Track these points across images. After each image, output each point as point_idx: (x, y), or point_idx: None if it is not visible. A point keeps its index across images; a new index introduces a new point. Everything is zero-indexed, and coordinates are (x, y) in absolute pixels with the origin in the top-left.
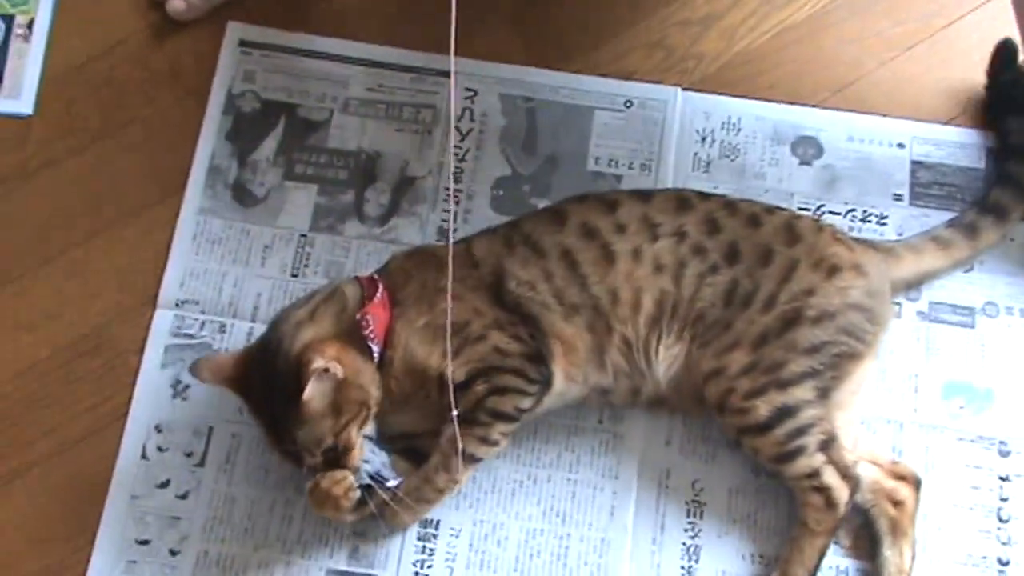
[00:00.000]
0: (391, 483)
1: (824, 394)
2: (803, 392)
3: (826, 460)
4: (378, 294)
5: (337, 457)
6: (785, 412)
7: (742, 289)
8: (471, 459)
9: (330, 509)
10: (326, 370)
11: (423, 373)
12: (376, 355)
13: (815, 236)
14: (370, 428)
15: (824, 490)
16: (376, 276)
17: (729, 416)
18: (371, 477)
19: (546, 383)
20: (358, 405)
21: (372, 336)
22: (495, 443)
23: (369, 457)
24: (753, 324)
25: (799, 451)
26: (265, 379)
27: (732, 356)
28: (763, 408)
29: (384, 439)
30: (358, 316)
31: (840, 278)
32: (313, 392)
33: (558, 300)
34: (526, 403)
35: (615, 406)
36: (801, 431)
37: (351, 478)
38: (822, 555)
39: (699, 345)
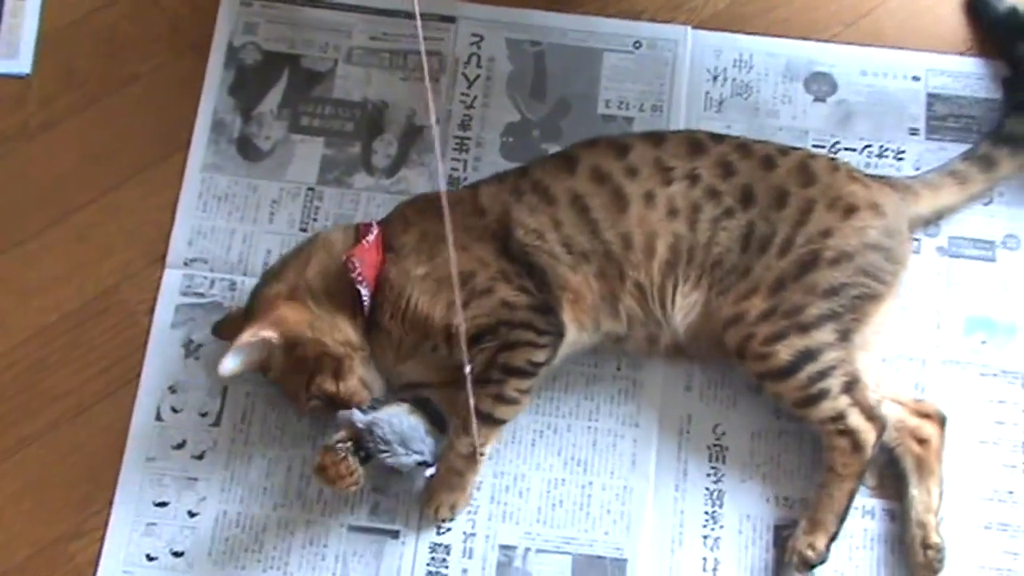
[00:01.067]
0: (430, 471)
1: (845, 336)
2: (824, 335)
3: (851, 402)
4: (370, 236)
5: (336, 404)
6: (807, 355)
7: (758, 233)
8: (490, 420)
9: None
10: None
11: (426, 325)
12: (365, 298)
13: (830, 176)
14: (375, 383)
15: (850, 433)
16: (376, 223)
17: (750, 362)
18: (418, 464)
19: (558, 334)
20: (316, 360)
21: (360, 279)
22: (513, 401)
23: (419, 447)
24: (770, 269)
25: (823, 394)
26: None
27: (751, 302)
28: (784, 352)
29: (393, 389)
30: (344, 257)
31: (857, 218)
32: (234, 363)
33: (567, 249)
34: (539, 356)
35: (634, 355)
36: (824, 374)
37: (349, 459)
38: (851, 499)
39: (717, 292)
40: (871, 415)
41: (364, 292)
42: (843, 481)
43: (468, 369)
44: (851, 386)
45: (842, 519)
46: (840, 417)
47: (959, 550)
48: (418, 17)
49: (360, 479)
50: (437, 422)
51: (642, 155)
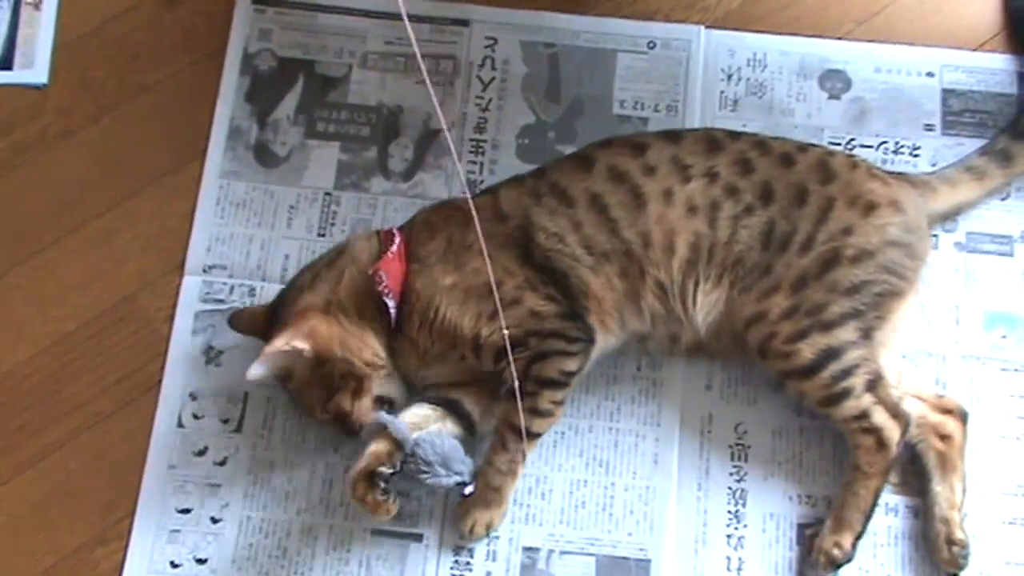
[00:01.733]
0: (468, 490)
1: (867, 334)
2: (846, 333)
3: (874, 400)
4: (393, 247)
5: (341, 422)
6: (830, 354)
7: (779, 231)
8: (528, 433)
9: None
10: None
11: (454, 336)
12: (392, 309)
13: (850, 173)
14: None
15: (875, 431)
16: (397, 229)
17: (773, 361)
18: (457, 484)
19: (589, 340)
20: (341, 377)
21: (387, 291)
22: (548, 413)
23: (460, 468)
24: (792, 267)
25: (846, 393)
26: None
27: (772, 300)
28: (807, 351)
29: (417, 390)
30: (371, 272)
31: (877, 215)
32: (262, 369)
33: (587, 250)
34: (571, 365)
35: (653, 353)
36: (847, 372)
37: (390, 495)
38: (877, 497)
39: (739, 291)
40: (895, 412)
41: (391, 304)
42: (869, 479)
43: (508, 386)
44: (874, 384)
45: (868, 517)
46: (864, 415)
47: (983, 546)
48: (406, 20)
49: (397, 508)
50: (467, 426)
51: (659, 153)
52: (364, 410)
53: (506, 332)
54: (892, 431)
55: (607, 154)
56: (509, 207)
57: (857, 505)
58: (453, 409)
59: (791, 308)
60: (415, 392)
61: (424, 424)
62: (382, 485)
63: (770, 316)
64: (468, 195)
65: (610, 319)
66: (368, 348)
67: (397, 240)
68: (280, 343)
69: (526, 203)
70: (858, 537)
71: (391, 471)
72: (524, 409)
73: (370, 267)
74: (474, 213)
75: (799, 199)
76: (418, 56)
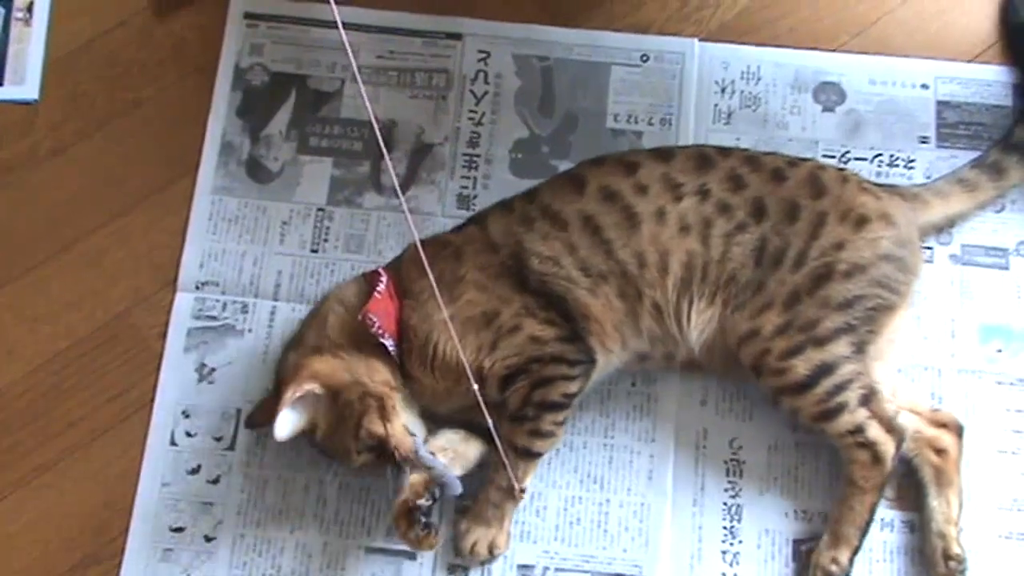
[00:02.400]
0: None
1: (861, 348)
2: (840, 348)
3: (869, 415)
4: (380, 287)
5: (383, 451)
6: (824, 369)
7: (771, 247)
8: (528, 454)
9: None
10: (313, 394)
11: (457, 371)
12: (391, 348)
13: (841, 187)
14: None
15: (870, 446)
16: (383, 269)
17: (767, 377)
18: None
19: (590, 361)
20: (360, 401)
21: (381, 332)
22: (549, 434)
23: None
24: (784, 283)
25: (841, 408)
26: None
27: (765, 317)
28: (801, 367)
29: (434, 420)
30: (360, 316)
31: (869, 229)
32: (286, 426)
33: (584, 272)
34: (573, 388)
35: (651, 371)
36: (841, 387)
37: (432, 529)
38: (873, 512)
39: (732, 308)
40: (890, 427)
41: (389, 344)
42: (864, 494)
43: (512, 410)
44: (869, 398)
45: (864, 532)
46: (859, 430)
47: (978, 560)
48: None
49: (440, 540)
50: (490, 442)
51: (651, 172)
52: (400, 434)
53: (507, 363)
54: (887, 445)
55: (599, 174)
56: (499, 236)
57: (853, 520)
58: (473, 428)
59: (784, 324)
60: (435, 422)
61: (449, 446)
62: (423, 520)
63: (763, 333)
64: (417, 240)
65: (611, 340)
66: (377, 372)
67: (384, 279)
68: (290, 394)
69: (517, 230)
70: (855, 552)
71: (429, 503)
72: (526, 431)
73: (359, 309)
74: (421, 253)
75: (791, 215)
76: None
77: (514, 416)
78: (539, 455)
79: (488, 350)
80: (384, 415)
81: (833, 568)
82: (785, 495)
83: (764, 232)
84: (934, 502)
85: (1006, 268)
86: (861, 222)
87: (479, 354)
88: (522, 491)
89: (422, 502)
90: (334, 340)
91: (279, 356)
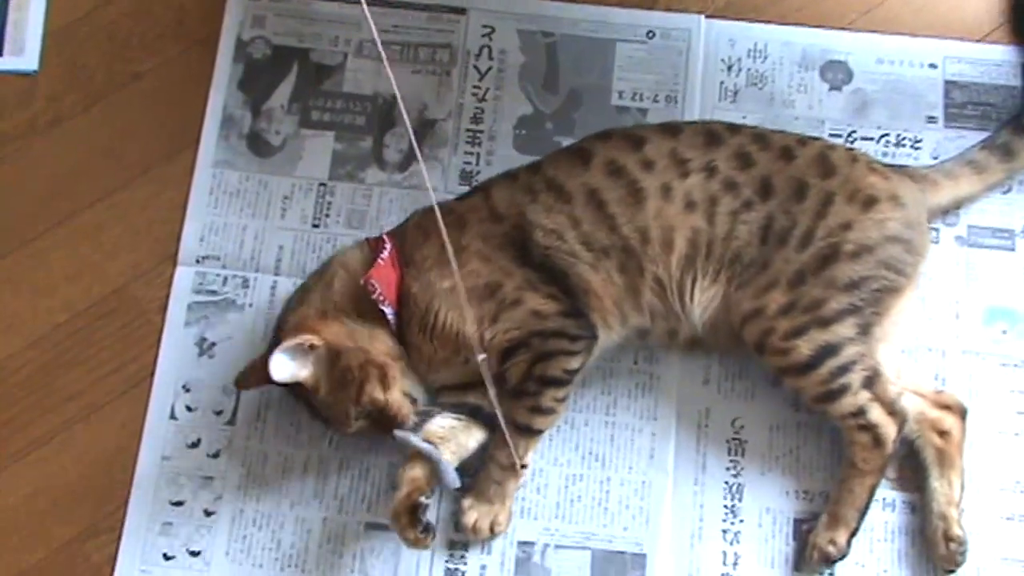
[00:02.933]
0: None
1: (866, 330)
2: (845, 329)
3: (871, 397)
4: (384, 254)
5: (381, 418)
6: (827, 351)
7: (778, 226)
8: (529, 431)
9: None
10: (310, 346)
11: (457, 340)
12: (390, 316)
13: (849, 167)
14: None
15: (871, 428)
16: (386, 236)
17: (770, 357)
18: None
19: (591, 336)
20: (361, 368)
21: (383, 299)
22: (550, 411)
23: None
24: (790, 262)
25: (843, 389)
26: None
27: (770, 296)
28: (805, 347)
29: (433, 394)
30: (362, 282)
31: (877, 210)
32: (279, 369)
33: (586, 247)
34: (574, 363)
35: (652, 347)
36: (844, 369)
37: (430, 530)
38: (872, 494)
39: (736, 286)
40: (892, 410)
41: (388, 312)
42: (864, 476)
43: (512, 385)
44: (872, 381)
45: (863, 514)
46: (861, 412)
47: (981, 542)
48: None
49: (434, 541)
50: (491, 428)
51: (658, 147)
52: (398, 402)
53: (509, 336)
54: (888, 428)
55: (605, 147)
56: (503, 206)
57: (852, 502)
58: (475, 415)
59: (789, 304)
60: (431, 395)
61: (450, 436)
62: (423, 521)
63: (767, 312)
64: (435, 206)
65: (611, 316)
66: (380, 342)
67: (388, 246)
68: (287, 343)
69: (521, 201)
70: (853, 534)
71: (429, 501)
72: (526, 407)
73: (362, 275)
74: (440, 221)
75: (798, 194)
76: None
77: (515, 391)
78: (540, 432)
79: (490, 322)
80: (385, 383)
81: (831, 549)
82: (786, 475)
83: (771, 210)
84: (936, 483)
85: (1012, 250)
86: (869, 203)
87: (480, 325)
88: (523, 467)
89: (423, 499)
90: (338, 304)
91: (279, 316)
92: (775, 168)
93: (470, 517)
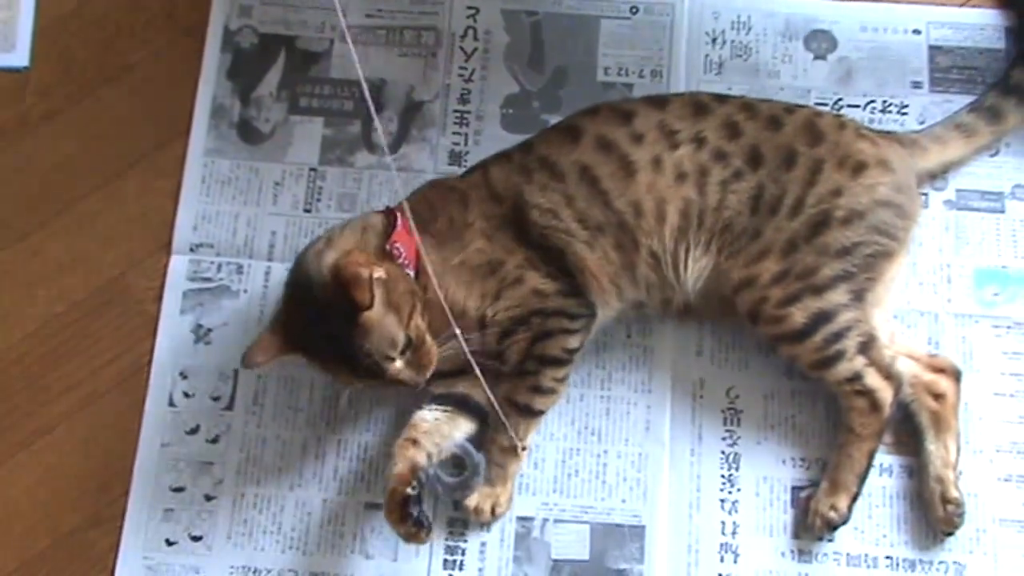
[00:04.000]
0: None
1: (859, 296)
2: (838, 296)
3: (867, 362)
4: (399, 224)
5: (417, 355)
6: (822, 317)
7: (768, 195)
8: (529, 411)
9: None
10: (370, 275)
11: (462, 314)
12: (410, 271)
13: (838, 134)
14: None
15: (867, 393)
16: (392, 208)
17: (764, 325)
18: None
19: (591, 315)
20: (410, 295)
21: (406, 263)
22: (550, 391)
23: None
24: (782, 230)
25: (839, 355)
26: (313, 318)
27: (762, 264)
28: (799, 315)
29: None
30: (388, 246)
31: (867, 175)
32: (371, 296)
33: (582, 224)
34: (574, 342)
35: (647, 317)
36: (839, 335)
37: (424, 523)
38: (871, 459)
39: (727, 256)
40: (888, 374)
41: (411, 275)
42: (862, 441)
43: (512, 364)
44: (867, 346)
45: (863, 479)
46: (857, 377)
47: (977, 503)
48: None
49: (431, 535)
50: (479, 418)
51: (646, 120)
52: (431, 346)
53: (510, 313)
54: (885, 392)
55: (594, 123)
56: (501, 187)
57: (852, 467)
58: (462, 404)
59: (782, 272)
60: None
61: (434, 429)
62: (415, 514)
63: (760, 281)
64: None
65: (608, 294)
66: (410, 278)
67: (400, 219)
68: (364, 271)
69: (516, 181)
70: (854, 499)
71: (416, 491)
72: (526, 387)
73: (386, 237)
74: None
75: (788, 162)
76: None
77: (515, 371)
78: (540, 413)
79: (492, 299)
80: (421, 315)
81: (832, 515)
82: (783, 443)
83: (761, 180)
84: (932, 446)
85: (1002, 212)
86: (858, 168)
87: (483, 302)
88: (524, 449)
89: (409, 491)
90: (370, 252)
91: (297, 261)
92: (763, 137)
93: (472, 500)
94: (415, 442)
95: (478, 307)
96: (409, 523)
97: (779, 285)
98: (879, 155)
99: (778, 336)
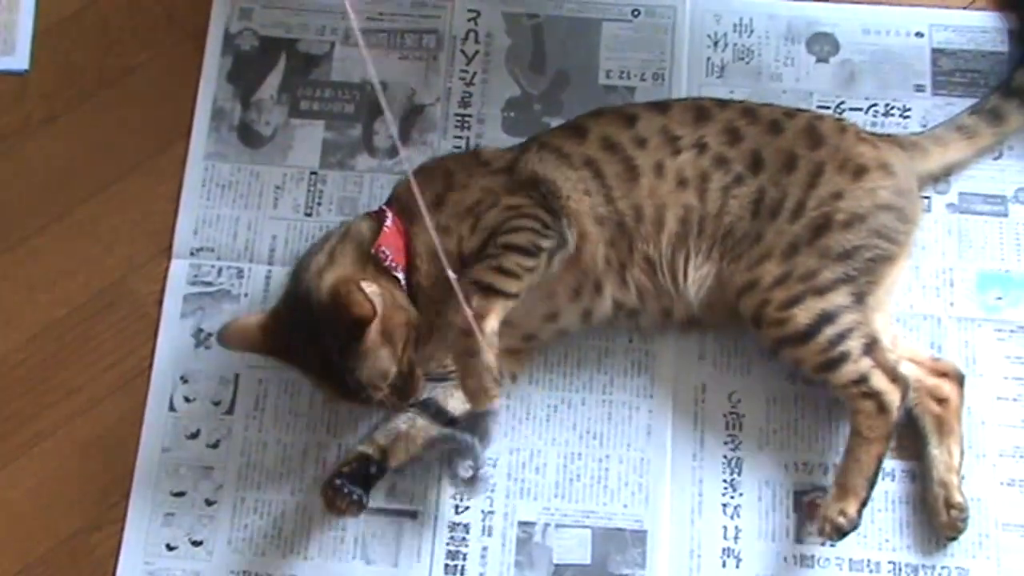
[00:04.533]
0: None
1: (861, 299)
2: (840, 298)
3: (873, 364)
4: (387, 223)
5: (404, 385)
6: (825, 318)
7: (769, 199)
8: (491, 290)
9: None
10: (372, 308)
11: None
12: (403, 281)
13: (838, 137)
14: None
15: (875, 395)
16: (384, 207)
17: (767, 328)
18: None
19: (563, 240)
20: (405, 326)
21: (394, 266)
22: (512, 273)
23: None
24: (783, 234)
25: (844, 357)
26: (305, 333)
27: (764, 268)
28: (802, 316)
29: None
30: (373, 251)
31: (867, 179)
32: (369, 329)
33: (583, 200)
34: (544, 242)
35: (646, 330)
36: (843, 336)
37: (347, 490)
38: (880, 462)
39: (729, 261)
40: (894, 376)
41: (400, 276)
42: (871, 444)
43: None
44: (871, 348)
45: (872, 483)
46: (863, 379)
47: (980, 508)
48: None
49: (363, 504)
50: (442, 420)
51: (649, 124)
52: (418, 377)
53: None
54: (892, 395)
55: (599, 124)
56: (490, 155)
57: (860, 471)
58: (425, 408)
59: (783, 275)
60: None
61: (401, 438)
62: (338, 483)
63: (762, 284)
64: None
65: (588, 245)
66: (406, 300)
67: (389, 215)
68: (365, 289)
69: (512, 152)
70: (863, 504)
71: (354, 469)
72: (489, 267)
73: (372, 244)
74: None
75: (788, 166)
76: None
77: (479, 257)
78: (504, 293)
79: (469, 232)
80: (413, 347)
81: (841, 520)
82: (785, 448)
83: (761, 184)
84: (935, 451)
85: (1004, 215)
86: (859, 172)
87: (462, 242)
88: (483, 332)
89: (345, 468)
90: (372, 265)
91: (297, 271)
92: (764, 141)
93: (467, 392)
94: (371, 440)
95: (456, 245)
96: (329, 490)
97: (781, 287)
98: (880, 159)
99: (782, 339)
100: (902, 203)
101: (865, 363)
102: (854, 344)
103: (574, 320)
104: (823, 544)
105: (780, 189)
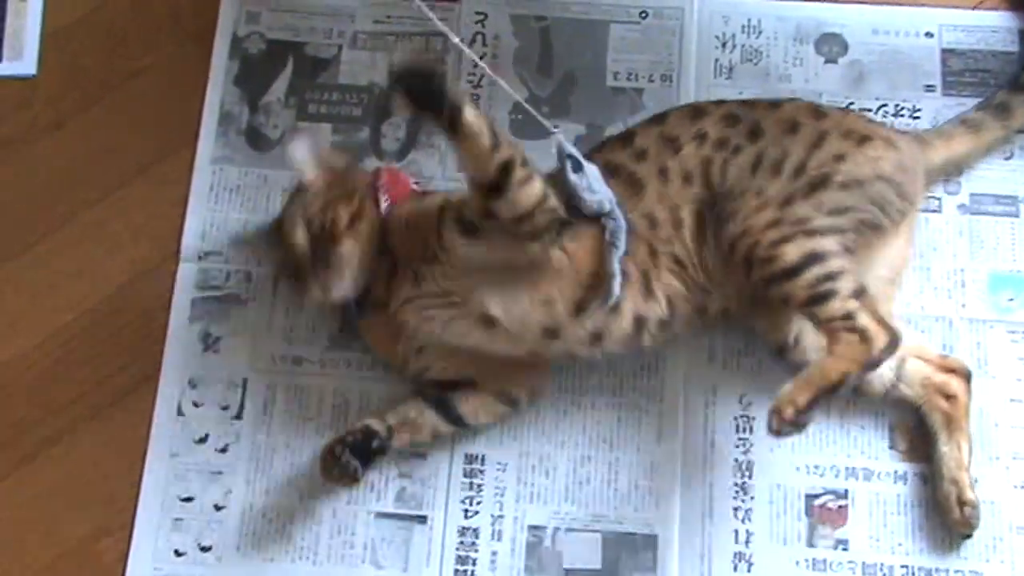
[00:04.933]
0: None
1: (849, 251)
2: (829, 244)
3: (861, 306)
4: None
5: (324, 245)
6: (813, 257)
7: (768, 159)
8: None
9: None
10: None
11: (427, 223)
12: (384, 203)
13: (842, 113)
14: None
15: (859, 331)
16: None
17: (758, 268)
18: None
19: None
20: (348, 193)
21: (382, 187)
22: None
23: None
24: (781, 189)
25: (831, 293)
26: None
27: (759, 216)
28: (792, 252)
29: (418, 384)
30: (373, 168)
31: (871, 147)
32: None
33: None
34: (551, 201)
35: (680, 335)
36: (831, 277)
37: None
38: (844, 380)
39: (727, 217)
40: (883, 322)
41: (384, 199)
42: (839, 360)
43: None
44: (860, 293)
45: (827, 391)
46: (849, 316)
47: (993, 511)
48: None
49: (357, 478)
50: (454, 422)
51: (646, 137)
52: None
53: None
54: (879, 337)
55: (600, 154)
56: None
57: (822, 376)
58: (439, 406)
59: (775, 220)
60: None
61: (407, 421)
62: (336, 452)
63: (755, 228)
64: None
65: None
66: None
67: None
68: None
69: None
70: (814, 402)
71: (355, 441)
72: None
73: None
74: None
75: (790, 129)
76: None
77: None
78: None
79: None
80: (352, 222)
81: (789, 410)
82: (796, 450)
83: (760, 148)
84: (945, 448)
85: (1016, 216)
86: (864, 140)
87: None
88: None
89: (349, 438)
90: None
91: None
92: (764, 115)
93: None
94: (380, 416)
95: (440, 202)
96: (328, 455)
97: (773, 229)
98: (885, 133)
99: (770, 276)
100: (902, 179)
101: (853, 303)
102: (842, 285)
103: (581, 340)
104: (778, 436)
105: (781, 148)
